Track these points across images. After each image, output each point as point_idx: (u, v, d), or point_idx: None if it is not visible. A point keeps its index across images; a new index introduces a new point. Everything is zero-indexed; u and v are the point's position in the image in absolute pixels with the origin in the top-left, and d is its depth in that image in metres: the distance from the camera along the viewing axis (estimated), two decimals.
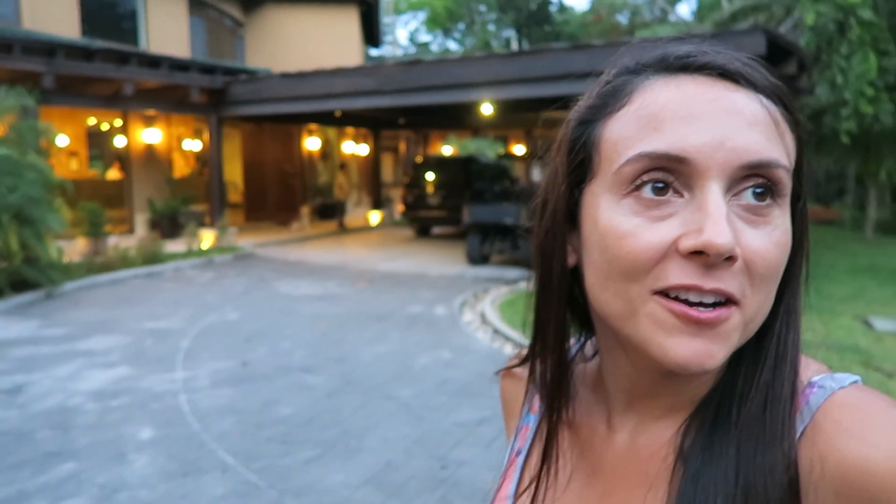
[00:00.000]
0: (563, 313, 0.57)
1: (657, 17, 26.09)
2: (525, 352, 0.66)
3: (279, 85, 11.78)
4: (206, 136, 13.83)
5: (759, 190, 0.47)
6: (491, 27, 36.63)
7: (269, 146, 16.99)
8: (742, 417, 0.48)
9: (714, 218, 0.44)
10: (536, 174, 22.71)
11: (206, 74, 13.00)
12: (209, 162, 13.39)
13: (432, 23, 40.20)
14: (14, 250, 7.62)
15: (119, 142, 14.53)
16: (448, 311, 7.65)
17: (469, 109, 13.03)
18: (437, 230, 15.67)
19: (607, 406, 0.58)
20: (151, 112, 13.46)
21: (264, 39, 21.61)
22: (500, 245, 10.79)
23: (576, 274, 0.56)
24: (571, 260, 0.55)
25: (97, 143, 16.66)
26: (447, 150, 24.11)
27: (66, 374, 5.18)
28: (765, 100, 0.47)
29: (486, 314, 7.41)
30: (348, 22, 22.63)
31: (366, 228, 17.24)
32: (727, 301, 0.46)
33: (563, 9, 34.70)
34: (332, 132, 20.75)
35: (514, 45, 32.65)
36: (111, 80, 11.09)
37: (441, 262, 11.37)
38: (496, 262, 11.30)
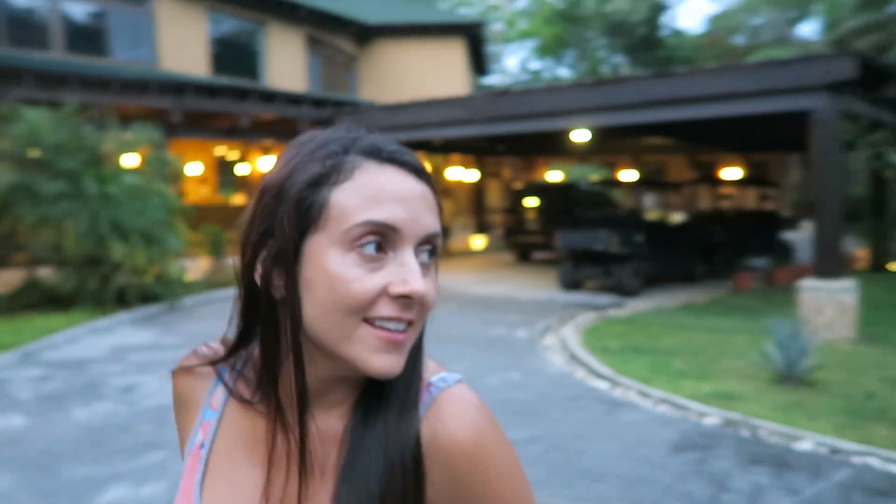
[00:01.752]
0: (295, 333, 0.65)
1: (777, 37, 25.01)
2: (203, 350, 0.76)
3: (379, 116, 12.43)
4: None
5: (428, 250, 0.66)
6: (601, 53, 36.40)
7: None
8: (387, 407, 0.67)
9: (415, 273, 0.62)
10: (647, 201, 22.32)
11: (316, 107, 13.94)
12: None
13: (543, 50, 40.49)
14: (141, 267, 8.54)
15: (241, 170, 15.77)
16: (529, 334, 7.76)
17: (565, 136, 13.13)
18: (538, 255, 15.77)
19: (282, 407, 0.68)
20: (268, 143, 14.55)
21: (375, 72, 22.73)
22: (593, 271, 10.75)
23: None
24: (280, 294, 0.65)
25: (225, 170, 18.20)
26: (554, 176, 24.20)
27: None
28: (430, 188, 0.67)
29: (567, 339, 7.46)
30: (454, 53, 23.37)
31: (468, 253, 17.61)
32: (409, 326, 0.64)
33: (677, 33, 33.95)
34: (438, 159, 21.43)
35: (625, 71, 32.28)
36: (230, 115, 12.16)
37: (534, 286, 11.47)
38: (590, 288, 11.26)
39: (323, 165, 0.64)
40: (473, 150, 17.67)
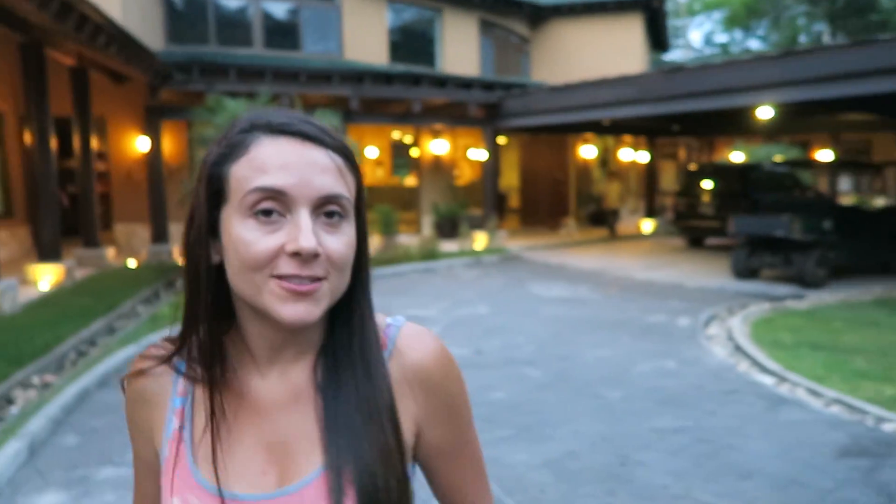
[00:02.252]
0: (209, 299, 0.73)
1: None
2: (153, 351, 0.80)
3: (547, 97, 12.37)
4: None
5: (332, 211, 0.70)
6: (800, 21, 33.08)
7: (543, 155, 17.74)
8: (354, 352, 0.76)
9: (304, 231, 0.67)
10: (844, 183, 20.13)
11: (486, 90, 14.17)
12: (484, 170, 14.53)
13: (731, 21, 37.65)
14: None
15: (414, 153, 16.49)
16: (692, 322, 7.43)
17: (748, 114, 12.21)
18: (712, 242, 14.89)
19: (254, 362, 0.77)
20: (438, 126, 15.07)
21: (548, 53, 22.50)
22: (771, 259, 9.97)
23: (220, 270, 0.75)
24: (216, 259, 0.74)
25: (400, 153, 19.11)
26: (736, 157, 22.57)
27: None
28: (333, 154, 0.71)
29: (734, 329, 7.05)
30: (631, 29, 22.46)
31: (637, 237, 17.04)
32: (317, 279, 0.69)
33: None
34: (610, 140, 20.87)
35: (827, 39, 29.09)
36: (404, 101, 12.74)
37: (704, 274, 10.88)
38: (767, 277, 10.46)
39: (225, 145, 0.72)
40: (645, 130, 16.98)
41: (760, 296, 9.10)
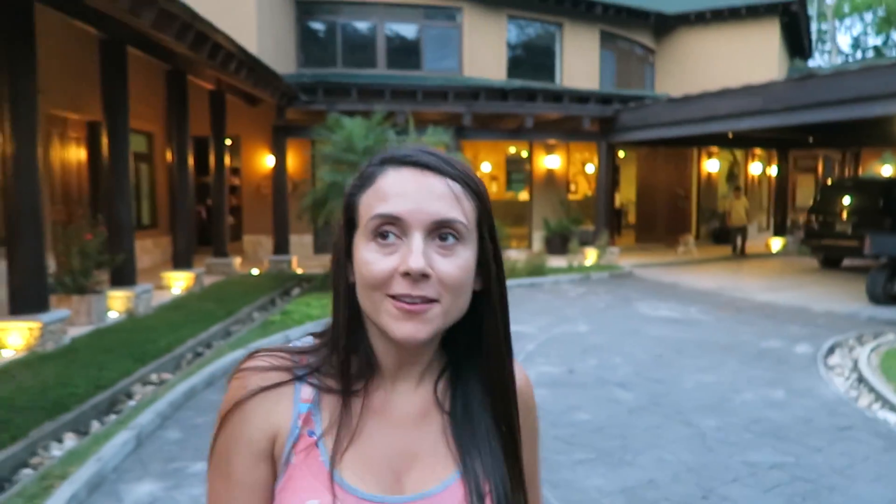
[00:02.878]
0: (347, 315, 0.78)
1: None
2: (262, 362, 0.78)
3: (664, 110, 11.93)
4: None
5: (446, 234, 0.74)
6: None
7: (663, 169, 17.11)
8: (485, 376, 0.82)
9: (414, 253, 0.71)
10: None
11: (603, 104, 13.88)
12: (597, 185, 14.22)
13: (885, 23, 34.63)
14: None
15: (527, 167, 16.45)
16: (812, 350, 6.86)
17: (893, 124, 11.16)
18: (849, 263, 13.68)
19: (381, 377, 0.81)
20: (552, 141, 14.94)
21: (675, 64, 21.70)
22: None
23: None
24: (352, 280, 0.78)
25: (514, 168, 19.14)
26: (886, 171, 20.66)
27: None
28: (450, 182, 0.75)
29: (860, 359, 6.44)
30: (766, 36, 21.21)
31: (764, 255, 15.99)
32: (430, 300, 0.72)
33: None
34: (739, 154, 19.75)
35: None
36: (515, 116, 12.76)
37: (834, 297, 10.02)
38: None
39: (359, 178, 0.79)
40: (776, 142, 15.93)
41: None
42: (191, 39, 7.11)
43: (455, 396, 0.82)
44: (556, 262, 12.95)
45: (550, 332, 7.66)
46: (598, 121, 13.48)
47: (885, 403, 5.17)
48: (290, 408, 0.76)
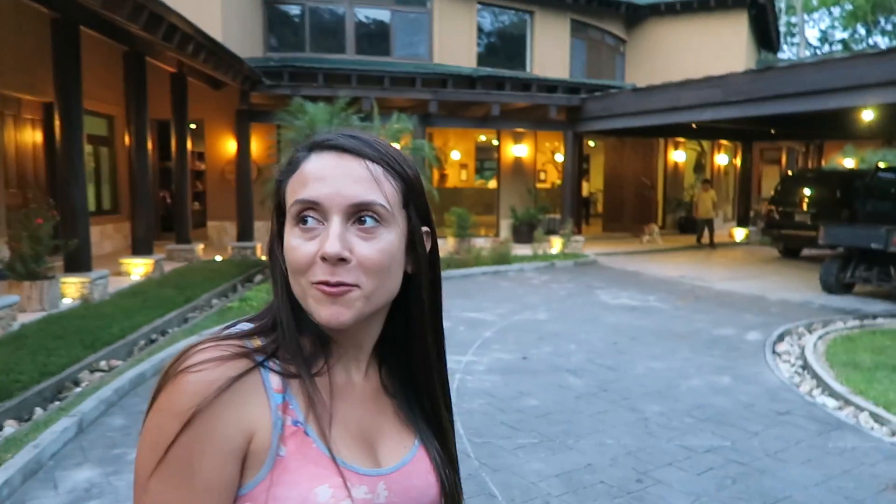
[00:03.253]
0: (288, 299, 0.77)
1: None
2: (220, 352, 0.72)
3: (629, 100, 12.02)
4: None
5: (365, 217, 0.73)
6: None
7: (629, 159, 17.25)
8: (417, 354, 0.85)
9: (331, 237, 0.71)
10: None
11: (571, 93, 13.94)
12: (564, 174, 14.30)
13: (852, 17, 35.19)
14: None
15: (495, 155, 16.46)
16: (762, 338, 7.00)
17: (852, 117, 11.38)
18: (808, 253, 13.97)
19: (339, 359, 0.81)
20: (520, 129, 14.97)
21: (645, 54, 21.84)
22: (866, 273, 9.25)
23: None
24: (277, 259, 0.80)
25: (485, 156, 19.15)
26: (848, 163, 21.08)
27: None
28: (369, 164, 0.74)
29: (806, 347, 6.59)
30: (735, 28, 21.43)
31: (728, 245, 16.25)
32: (350, 285, 0.72)
33: None
34: (706, 144, 19.98)
35: None
36: (482, 104, 12.75)
37: (791, 286, 10.23)
38: (861, 292, 9.71)
39: (287, 163, 0.79)
40: (740, 133, 16.15)
41: (850, 312, 8.45)
42: (144, 20, 6.97)
43: (392, 374, 0.86)
44: (523, 250, 13.02)
45: (510, 320, 7.71)
46: (564, 110, 13.53)
47: (825, 389, 5.31)
48: (264, 399, 0.72)
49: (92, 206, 12.63)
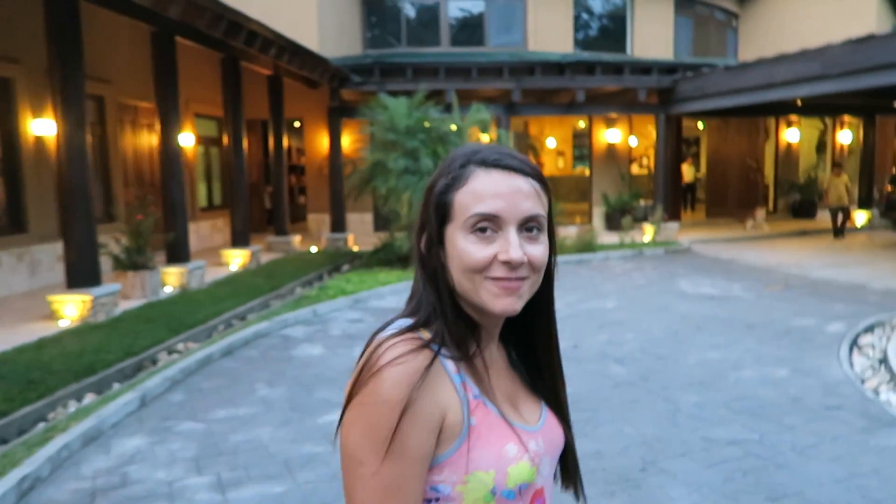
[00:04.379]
0: (448, 293, 0.91)
1: None
2: (411, 345, 0.85)
3: (721, 79, 11.42)
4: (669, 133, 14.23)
5: (532, 226, 0.89)
6: None
7: (734, 140, 16.32)
8: (552, 335, 1.03)
9: (513, 245, 0.86)
10: None
11: (668, 74, 13.39)
12: (656, 158, 13.81)
13: None
14: None
15: (588, 142, 16.15)
16: (844, 329, 6.53)
17: None
18: None
19: (483, 340, 0.95)
20: (613, 114, 14.60)
21: (760, 27, 20.53)
22: None
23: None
24: (433, 256, 0.94)
25: (581, 143, 18.81)
26: None
27: None
28: (532, 180, 0.90)
29: (891, 340, 6.09)
30: None
31: (847, 230, 15.01)
32: (523, 279, 0.88)
33: None
34: (829, 121, 18.49)
35: None
36: (569, 90, 12.57)
37: None
38: None
39: (449, 178, 0.91)
40: (861, 109, 14.85)
41: None
42: (224, 28, 7.53)
43: (514, 350, 1.03)
44: (613, 238, 12.74)
45: (576, 308, 7.66)
46: (655, 92, 13.07)
47: None
48: (448, 381, 0.86)
49: (203, 202, 13.80)
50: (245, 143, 10.86)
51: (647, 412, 4.42)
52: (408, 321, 0.90)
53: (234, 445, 3.99)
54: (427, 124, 10.26)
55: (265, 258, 11.19)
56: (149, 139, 11.74)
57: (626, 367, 5.42)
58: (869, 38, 8.59)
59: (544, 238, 0.90)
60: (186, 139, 12.48)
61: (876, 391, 4.89)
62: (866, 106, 14.37)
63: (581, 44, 17.92)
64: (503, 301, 0.87)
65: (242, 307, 7.72)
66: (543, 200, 0.90)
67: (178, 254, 8.79)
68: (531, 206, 0.88)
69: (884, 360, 5.54)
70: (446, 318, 0.89)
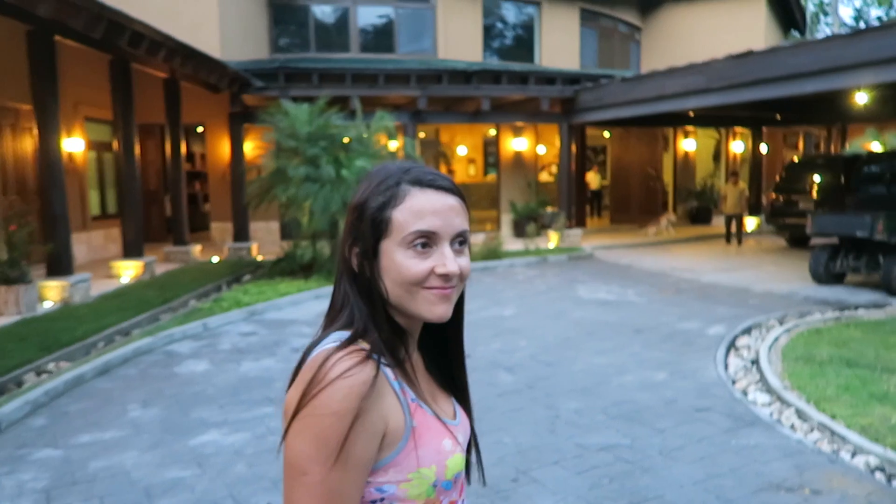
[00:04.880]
0: (383, 305, 0.98)
1: None
2: (358, 356, 0.91)
3: (618, 90, 11.82)
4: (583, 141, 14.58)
5: (461, 241, 0.98)
6: None
7: (635, 149, 16.95)
8: (461, 339, 1.12)
9: (450, 259, 0.95)
10: None
11: (571, 85, 13.74)
12: (560, 166, 14.15)
13: None
14: None
15: (496, 150, 16.36)
16: (724, 332, 6.84)
17: (845, 100, 10.98)
18: (818, 242, 13.50)
19: (408, 345, 1.03)
20: (520, 123, 14.86)
21: (662, 41, 21.43)
22: (854, 262, 8.95)
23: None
24: (365, 269, 0.99)
25: (492, 151, 19.05)
26: (876, 147, 20.35)
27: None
28: (459, 199, 0.99)
29: (765, 341, 6.42)
30: (753, 10, 20.88)
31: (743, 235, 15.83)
32: (452, 287, 0.97)
33: None
34: (723, 131, 19.45)
35: None
36: (471, 98, 12.70)
37: (782, 278, 9.95)
38: (853, 282, 9.39)
39: (385, 195, 0.97)
40: (749, 120, 15.72)
41: (833, 303, 8.19)
42: (103, 29, 7.15)
43: (439, 357, 1.12)
44: (520, 245, 12.93)
45: (474, 316, 7.69)
46: (559, 101, 13.39)
47: (764, 385, 5.18)
48: (389, 388, 0.93)
49: (96, 210, 13.09)
50: (138, 149, 10.38)
51: (528, 421, 4.47)
52: (345, 333, 0.95)
53: (93, 473, 3.75)
54: (330, 131, 10.10)
55: (162, 269, 10.73)
56: (32, 144, 11.03)
57: (515, 376, 5.48)
58: (748, 54, 9.08)
59: (468, 250, 1.00)
60: (75, 144, 11.85)
61: (745, 391, 5.13)
62: (753, 118, 15.20)
63: (491, 53, 18.19)
64: (439, 309, 0.96)
65: (128, 322, 7.33)
66: (467, 216, 1.00)
67: (59, 266, 8.27)
68: (461, 222, 0.98)
69: (756, 361, 5.82)
70: (381, 328, 0.96)
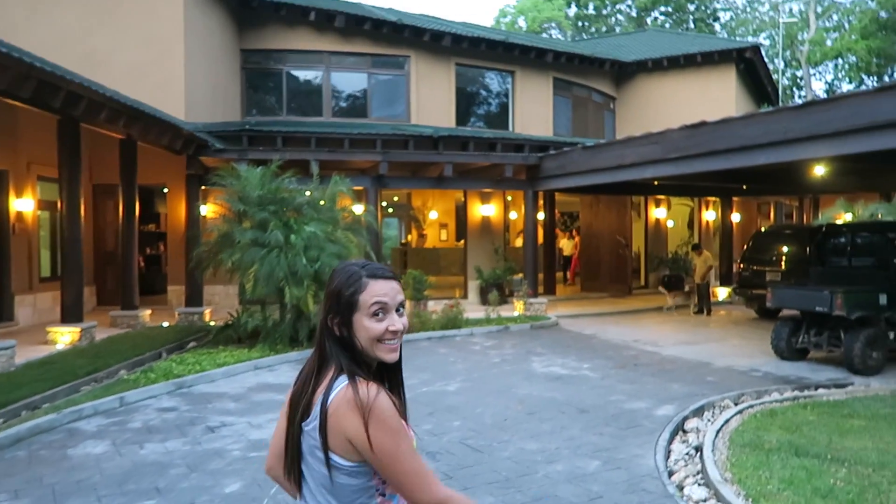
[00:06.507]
0: (365, 353, 1.54)
1: None
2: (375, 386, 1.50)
3: (580, 158, 11.74)
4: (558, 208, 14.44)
5: (401, 308, 1.56)
6: None
7: (605, 216, 16.84)
8: (402, 380, 1.67)
9: (397, 322, 1.54)
10: None
11: (538, 152, 13.67)
12: (525, 233, 13.95)
13: (856, 69, 34.83)
14: (311, 309, 9.19)
15: (463, 216, 16.19)
16: (673, 413, 6.44)
17: (804, 171, 10.92)
18: (788, 312, 13.24)
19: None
20: (487, 189, 14.74)
21: (636, 109, 21.71)
22: (816, 338, 8.65)
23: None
24: (344, 334, 1.54)
25: (463, 217, 18.90)
26: (848, 217, 20.38)
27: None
28: (397, 282, 1.58)
29: (713, 425, 6.02)
30: (724, 82, 21.28)
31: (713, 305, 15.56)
32: (398, 340, 1.56)
33: None
34: (688, 201, 19.44)
35: None
36: (435, 164, 12.58)
37: (746, 352, 9.62)
38: (816, 358, 9.07)
39: (354, 286, 1.53)
40: (717, 190, 15.70)
41: (793, 381, 7.84)
42: (32, 88, 6.94)
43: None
44: (485, 313, 12.57)
45: (415, 391, 7.28)
46: (523, 168, 13.29)
47: (700, 479, 4.77)
48: (389, 399, 1.48)
49: (46, 272, 12.69)
50: (90, 210, 10.06)
51: None
52: (346, 376, 1.49)
53: None
54: (282, 195, 9.86)
55: (104, 334, 10.27)
56: None
57: (436, 463, 5.04)
58: (702, 125, 9.00)
59: (405, 313, 1.57)
60: (25, 204, 11.56)
61: (680, 486, 4.72)
62: (721, 188, 15.18)
63: (465, 119, 18.29)
64: (392, 355, 1.54)
65: (41, 395, 6.85)
66: (402, 292, 1.59)
67: None
68: (402, 297, 1.57)
69: (699, 448, 5.42)
70: (364, 369, 1.53)
